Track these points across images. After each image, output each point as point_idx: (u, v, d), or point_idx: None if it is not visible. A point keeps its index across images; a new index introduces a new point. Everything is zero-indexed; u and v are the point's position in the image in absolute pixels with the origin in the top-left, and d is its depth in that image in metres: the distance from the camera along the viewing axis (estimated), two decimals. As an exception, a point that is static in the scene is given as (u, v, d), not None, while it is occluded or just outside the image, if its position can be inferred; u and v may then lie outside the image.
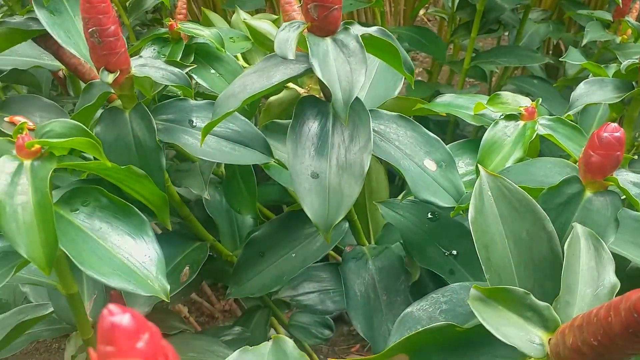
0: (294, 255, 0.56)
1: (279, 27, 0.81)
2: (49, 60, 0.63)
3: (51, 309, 0.51)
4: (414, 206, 0.55)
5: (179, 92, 0.65)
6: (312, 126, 0.42)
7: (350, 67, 0.39)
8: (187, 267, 0.56)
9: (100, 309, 0.55)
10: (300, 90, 0.68)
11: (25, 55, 0.62)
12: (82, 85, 0.67)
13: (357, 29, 0.42)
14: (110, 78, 0.44)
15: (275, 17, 0.85)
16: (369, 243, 0.62)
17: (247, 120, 0.52)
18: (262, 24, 0.74)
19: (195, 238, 0.63)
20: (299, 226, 0.57)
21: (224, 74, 0.66)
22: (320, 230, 0.40)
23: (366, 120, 0.41)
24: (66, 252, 0.36)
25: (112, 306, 0.15)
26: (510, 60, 0.99)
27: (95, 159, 0.41)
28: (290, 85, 0.71)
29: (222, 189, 0.73)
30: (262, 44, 0.76)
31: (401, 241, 0.55)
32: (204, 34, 0.64)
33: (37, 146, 0.37)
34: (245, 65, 0.76)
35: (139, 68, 0.47)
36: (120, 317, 0.15)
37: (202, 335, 0.56)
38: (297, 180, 0.40)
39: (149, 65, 0.48)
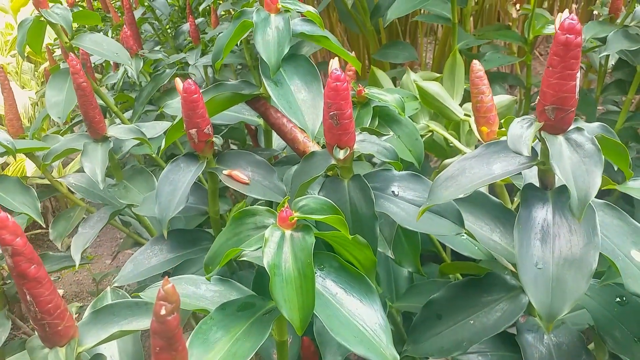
0: (472, 322, 0.58)
1: (443, 86, 0.84)
2: (248, 116, 0.71)
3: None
4: (601, 287, 0.55)
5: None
6: (535, 215, 0.44)
7: (586, 168, 0.41)
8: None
9: (293, 354, 0.60)
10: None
11: (231, 110, 0.70)
12: (275, 137, 0.74)
13: (583, 126, 0.44)
14: (342, 154, 0.49)
15: (437, 75, 0.89)
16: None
17: (443, 192, 0.56)
18: (432, 85, 0.78)
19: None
20: (477, 293, 0.59)
21: (401, 136, 0.70)
22: (542, 319, 0.41)
23: (593, 216, 0.42)
24: (319, 317, 0.41)
25: None
26: (671, 124, 0.95)
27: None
28: (460, 146, 0.74)
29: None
30: (429, 104, 0.80)
31: (590, 324, 0.55)
32: (387, 99, 0.69)
33: (295, 219, 0.43)
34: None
35: (360, 144, 0.52)
36: None
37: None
38: (522, 268, 0.42)
39: (367, 140, 0.53)
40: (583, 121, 0.49)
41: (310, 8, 0.61)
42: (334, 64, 0.50)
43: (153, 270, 0.66)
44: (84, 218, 0.85)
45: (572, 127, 0.43)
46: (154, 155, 0.96)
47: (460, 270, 0.78)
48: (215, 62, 0.63)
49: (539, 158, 0.45)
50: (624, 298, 0.55)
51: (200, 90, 0.60)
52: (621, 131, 1.01)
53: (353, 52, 0.84)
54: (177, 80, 0.58)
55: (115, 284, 0.65)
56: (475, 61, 0.61)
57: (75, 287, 1.66)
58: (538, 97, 0.43)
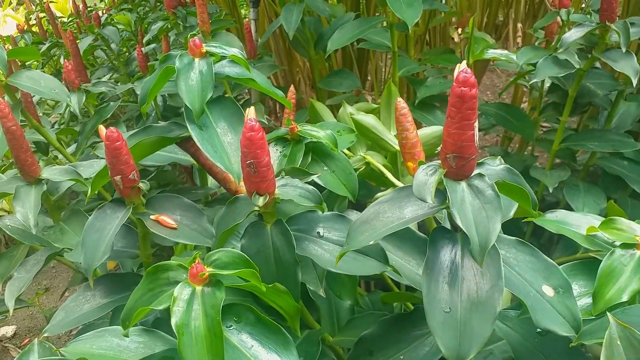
0: (402, 357, 0.59)
1: (380, 117, 0.86)
2: (181, 155, 0.71)
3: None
4: (523, 319, 0.57)
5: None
6: (444, 258, 0.45)
7: (486, 214, 0.42)
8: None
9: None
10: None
11: (163, 150, 0.70)
12: (210, 177, 0.74)
13: (487, 170, 0.46)
14: (261, 201, 0.49)
15: (375, 105, 0.90)
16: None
17: (367, 231, 0.56)
18: (367, 118, 0.80)
19: (303, 325, 0.67)
20: (407, 328, 0.60)
21: (335, 171, 0.71)
22: (451, 363, 0.42)
23: (497, 259, 0.44)
24: (231, 374, 0.41)
25: None
26: (602, 145, 0.99)
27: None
28: (392, 178, 0.75)
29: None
30: (365, 135, 0.81)
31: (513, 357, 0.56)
32: (320, 136, 0.70)
33: (207, 274, 0.43)
34: (349, 154, 0.81)
35: (281, 188, 0.53)
36: None
37: None
38: (430, 313, 0.43)
39: (289, 184, 0.53)
40: (495, 162, 0.51)
41: (236, 51, 0.62)
42: (250, 113, 0.50)
43: (85, 318, 0.64)
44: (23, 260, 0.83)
45: (475, 172, 0.45)
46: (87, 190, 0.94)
47: (398, 299, 0.80)
48: (141, 106, 0.63)
49: (447, 201, 0.47)
50: (545, 328, 0.56)
51: (126, 136, 0.60)
52: (558, 152, 1.05)
53: (293, 87, 0.85)
54: (101, 127, 0.57)
55: (45, 334, 0.63)
56: (399, 99, 0.63)
57: (28, 322, 1.61)
58: (441, 145, 0.44)
